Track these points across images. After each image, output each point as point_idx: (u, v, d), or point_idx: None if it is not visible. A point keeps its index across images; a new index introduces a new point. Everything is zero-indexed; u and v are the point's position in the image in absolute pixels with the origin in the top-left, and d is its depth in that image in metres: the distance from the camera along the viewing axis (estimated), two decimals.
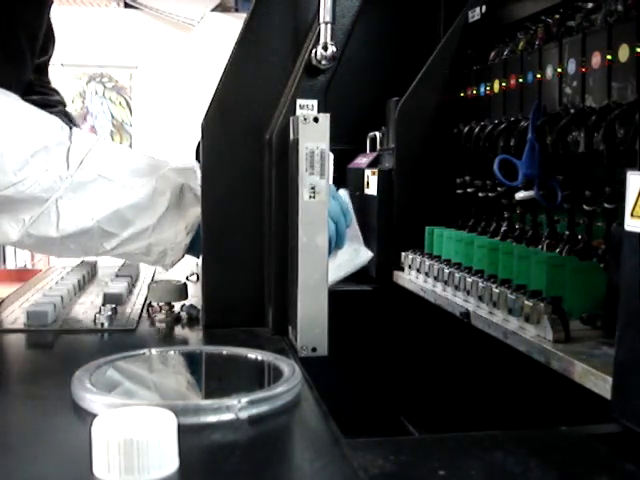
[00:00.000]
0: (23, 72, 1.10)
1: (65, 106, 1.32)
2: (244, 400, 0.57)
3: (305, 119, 0.75)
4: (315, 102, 0.85)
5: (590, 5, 0.88)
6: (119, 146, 0.89)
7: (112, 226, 0.87)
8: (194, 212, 0.90)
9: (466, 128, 1.11)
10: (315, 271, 0.76)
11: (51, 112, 0.95)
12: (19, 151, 0.82)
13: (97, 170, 0.85)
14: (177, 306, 0.93)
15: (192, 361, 0.76)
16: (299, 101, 0.85)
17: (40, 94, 1.22)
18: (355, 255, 1.02)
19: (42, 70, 1.28)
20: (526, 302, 0.81)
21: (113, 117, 4.89)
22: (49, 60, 1.28)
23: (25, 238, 0.86)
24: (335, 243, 0.90)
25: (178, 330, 0.88)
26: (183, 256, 0.93)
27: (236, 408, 0.57)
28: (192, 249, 0.93)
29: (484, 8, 1.13)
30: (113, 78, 4.51)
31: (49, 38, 1.24)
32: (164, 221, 0.89)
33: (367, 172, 1.30)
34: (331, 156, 0.88)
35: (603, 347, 0.72)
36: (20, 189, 0.82)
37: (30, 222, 0.85)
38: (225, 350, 0.74)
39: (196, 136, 0.91)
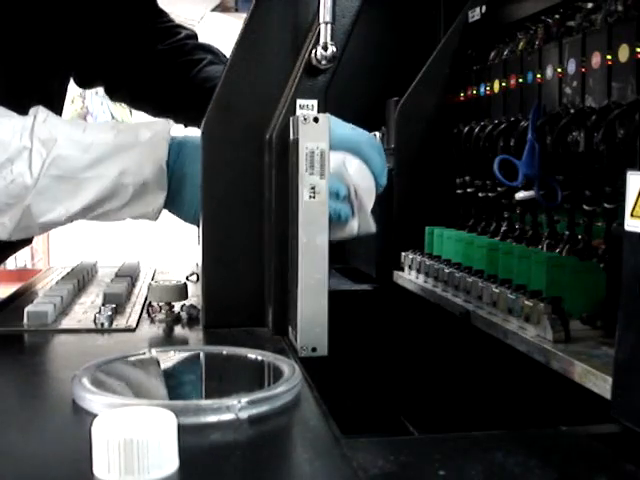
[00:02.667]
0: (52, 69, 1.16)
1: (196, 37, 1.44)
2: (244, 400, 0.57)
3: (305, 119, 0.75)
4: (315, 102, 0.85)
5: (590, 5, 0.88)
6: (83, 134, 0.89)
7: (85, 213, 0.91)
8: (159, 198, 0.90)
9: (466, 128, 1.11)
10: (315, 271, 0.76)
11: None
12: None
13: (60, 172, 0.87)
14: (177, 306, 0.93)
15: (192, 361, 0.76)
16: (299, 101, 0.85)
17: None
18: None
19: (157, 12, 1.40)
20: (526, 302, 0.81)
21: (113, 117, 4.89)
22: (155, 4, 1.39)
23: (12, 234, 0.91)
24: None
25: (178, 330, 0.88)
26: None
27: (236, 408, 0.57)
28: (180, 215, 0.95)
29: (484, 8, 1.13)
30: None
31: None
32: (133, 202, 0.90)
33: None
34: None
35: (603, 347, 0.72)
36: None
37: (10, 224, 0.89)
38: (225, 350, 0.74)
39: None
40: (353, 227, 0.88)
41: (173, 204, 0.93)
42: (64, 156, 0.87)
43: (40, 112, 0.89)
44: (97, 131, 0.90)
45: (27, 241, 1.32)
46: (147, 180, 0.89)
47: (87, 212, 0.90)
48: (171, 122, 0.94)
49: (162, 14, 1.41)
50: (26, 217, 0.88)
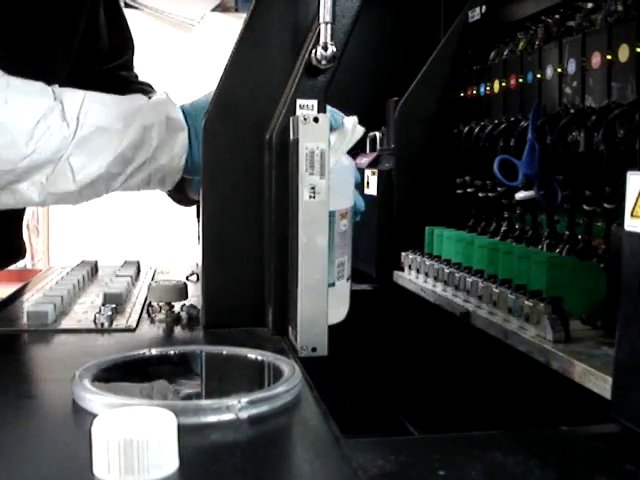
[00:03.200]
0: (58, 79, 1.16)
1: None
2: (244, 400, 0.57)
3: (305, 119, 0.75)
4: (315, 102, 0.85)
5: (590, 5, 0.88)
6: (103, 95, 0.94)
7: (117, 167, 0.92)
8: (182, 137, 0.94)
9: (466, 128, 1.11)
10: (315, 271, 0.76)
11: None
12: (23, 124, 0.87)
13: (94, 123, 0.90)
14: (177, 306, 0.93)
15: (192, 361, 0.76)
16: (299, 101, 0.85)
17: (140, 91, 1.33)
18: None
19: (127, 69, 1.39)
20: (526, 302, 0.81)
21: None
22: (132, 59, 1.39)
23: (47, 197, 0.92)
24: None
25: (178, 330, 0.88)
26: (180, 177, 0.97)
27: (236, 408, 0.57)
28: (187, 171, 0.96)
29: (484, 8, 1.13)
30: None
31: (125, 40, 1.36)
32: (159, 152, 0.93)
33: (367, 172, 1.30)
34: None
35: (603, 347, 0.72)
36: (34, 158, 0.87)
37: (48, 183, 0.90)
38: (225, 350, 0.74)
39: None
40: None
41: (191, 155, 0.95)
42: (95, 110, 0.90)
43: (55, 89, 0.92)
44: (113, 97, 0.95)
45: (20, 255, 1.33)
46: (167, 124, 0.93)
47: (122, 166, 0.92)
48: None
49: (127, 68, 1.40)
50: (63, 174, 0.90)
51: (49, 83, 0.91)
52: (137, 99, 0.97)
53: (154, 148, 0.93)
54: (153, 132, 0.92)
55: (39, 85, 0.91)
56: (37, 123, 0.87)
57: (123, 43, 1.36)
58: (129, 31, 1.38)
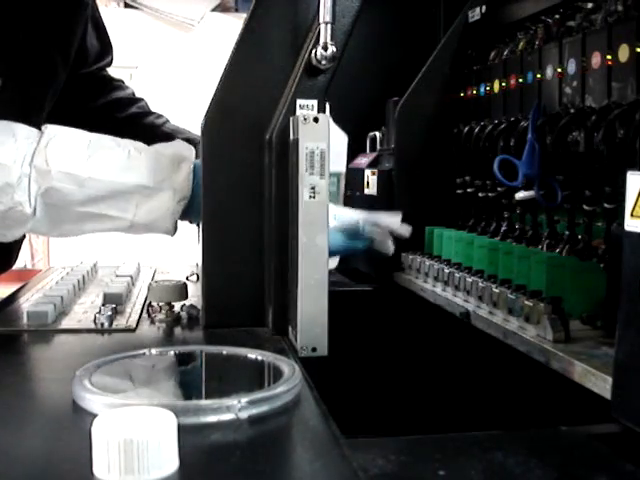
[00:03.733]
0: (57, 88, 1.16)
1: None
2: (244, 400, 0.57)
3: (305, 119, 0.75)
4: (315, 102, 0.85)
5: (590, 5, 0.88)
6: (84, 156, 0.88)
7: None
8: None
9: (466, 128, 1.11)
10: (315, 271, 0.76)
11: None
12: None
13: (53, 201, 0.87)
14: (177, 306, 0.93)
15: (192, 361, 0.76)
16: (299, 101, 0.85)
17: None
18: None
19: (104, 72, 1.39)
20: (526, 302, 0.81)
21: None
22: (110, 63, 1.39)
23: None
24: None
25: (178, 330, 0.88)
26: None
27: (236, 408, 0.57)
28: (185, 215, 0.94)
29: (484, 8, 1.13)
30: None
31: (107, 43, 1.36)
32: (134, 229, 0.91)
33: (367, 172, 1.30)
34: (344, 138, 0.89)
35: (603, 347, 0.72)
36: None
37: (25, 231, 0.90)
38: (225, 350, 0.74)
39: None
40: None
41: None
42: (57, 188, 0.86)
43: (47, 132, 0.88)
44: (101, 163, 0.88)
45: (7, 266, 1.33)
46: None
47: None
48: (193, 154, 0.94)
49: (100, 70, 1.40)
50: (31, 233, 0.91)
51: (50, 94, 0.90)
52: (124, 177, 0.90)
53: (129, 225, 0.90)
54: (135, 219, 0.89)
55: (17, 145, 0.87)
56: (2, 189, 0.85)
57: (106, 45, 1.36)
58: (108, 35, 1.37)
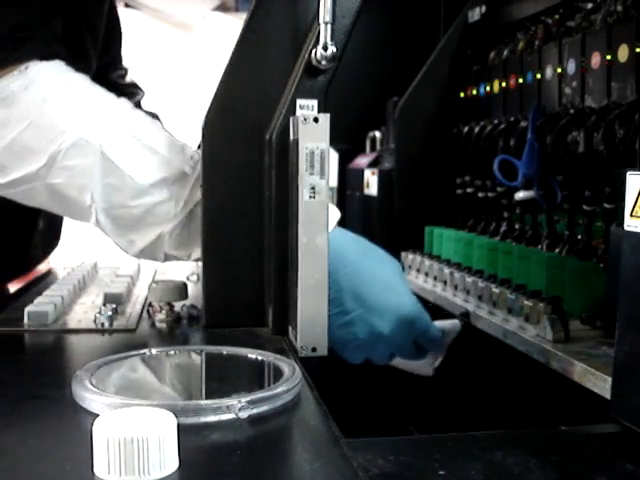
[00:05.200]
0: (88, 72, 1.14)
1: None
2: (244, 400, 0.57)
3: (305, 119, 0.75)
4: (315, 102, 0.85)
5: (590, 5, 0.89)
6: None
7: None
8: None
9: (466, 128, 1.11)
10: (315, 271, 0.76)
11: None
12: (144, 175, 0.86)
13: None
14: (177, 306, 0.93)
15: (192, 361, 0.76)
16: (299, 101, 0.85)
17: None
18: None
19: (117, 64, 1.37)
20: (526, 302, 0.81)
21: None
22: (119, 54, 1.37)
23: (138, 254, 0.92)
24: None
25: (178, 330, 0.88)
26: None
27: (236, 408, 0.57)
28: None
29: (484, 8, 1.13)
30: None
31: (115, 33, 1.33)
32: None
33: (367, 172, 1.31)
34: (334, 155, 0.88)
35: (603, 347, 0.72)
36: (134, 212, 0.87)
37: (143, 246, 0.91)
38: (225, 350, 0.74)
39: (196, 136, 0.91)
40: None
41: None
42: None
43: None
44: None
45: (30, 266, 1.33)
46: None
47: None
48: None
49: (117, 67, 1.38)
50: (157, 245, 0.90)
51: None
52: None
53: None
54: None
55: (182, 149, 0.90)
56: (154, 183, 0.86)
57: (112, 34, 1.31)
58: (119, 23, 1.33)
